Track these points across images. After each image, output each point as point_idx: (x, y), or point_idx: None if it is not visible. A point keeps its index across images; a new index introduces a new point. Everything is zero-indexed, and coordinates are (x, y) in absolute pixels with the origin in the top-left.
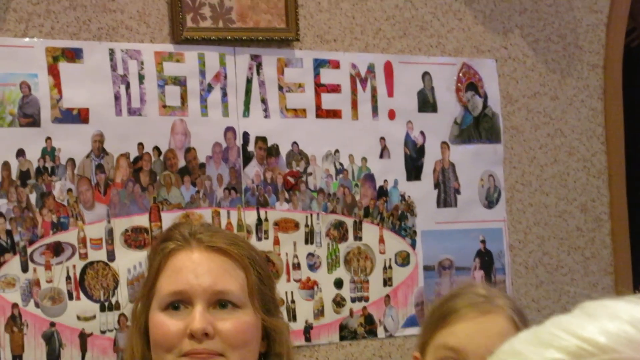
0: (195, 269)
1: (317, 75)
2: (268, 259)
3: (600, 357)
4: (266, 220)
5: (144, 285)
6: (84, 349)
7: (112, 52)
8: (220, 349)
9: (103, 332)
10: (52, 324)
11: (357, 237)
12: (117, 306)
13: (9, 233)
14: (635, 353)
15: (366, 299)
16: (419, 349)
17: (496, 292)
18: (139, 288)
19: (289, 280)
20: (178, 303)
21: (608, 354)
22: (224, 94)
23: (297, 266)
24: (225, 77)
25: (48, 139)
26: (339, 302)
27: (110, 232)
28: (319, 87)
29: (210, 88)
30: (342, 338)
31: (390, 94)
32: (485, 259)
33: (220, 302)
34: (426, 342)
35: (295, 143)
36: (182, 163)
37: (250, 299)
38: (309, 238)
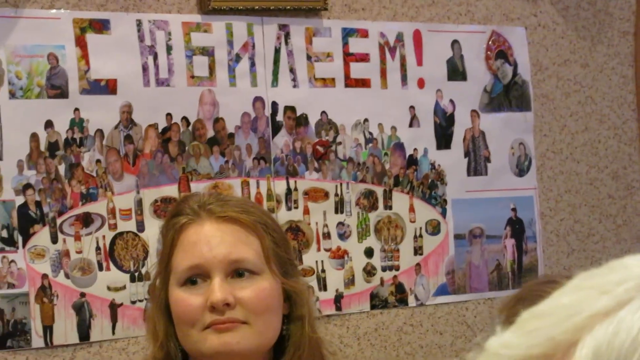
0: (208, 241)
1: (345, 44)
2: (298, 228)
3: None
4: (295, 189)
5: (159, 262)
6: (114, 319)
7: (139, 23)
8: (243, 317)
9: (133, 303)
10: (82, 295)
11: (387, 206)
12: (147, 276)
13: (38, 204)
14: None
15: (397, 268)
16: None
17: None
18: (155, 265)
19: (319, 249)
20: (195, 277)
21: None
22: (252, 64)
23: (327, 235)
24: (254, 47)
25: (76, 110)
26: (369, 271)
27: (139, 203)
28: (348, 57)
29: (238, 58)
30: (372, 307)
31: (420, 62)
32: (516, 227)
33: (237, 271)
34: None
35: (324, 112)
36: (210, 133)
37: (267, 264)
38: (339, 207)
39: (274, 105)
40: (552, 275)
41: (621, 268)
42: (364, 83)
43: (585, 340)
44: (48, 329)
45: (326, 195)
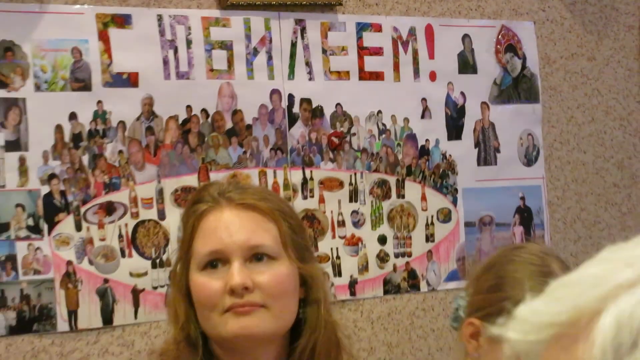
0: (228, 227)
1: (359, 38)
2: (314, 216)
3: None
4: (311, 179)
5: (180, 248)
6: (136, 304)
7: (160, 18)
8: (261, 300)
9: (155, 288)
10: (106, 281)
11: (400, 195)
12: (168, 263)
13: (62, 193)
14: None
15: (409, 255)
16: (477, 316)
17: (550, 255)
18: (176, 251)
19: (334, 236)
20: (215, 262)
21: None
22: (269, 58)
23: (341, 223)
24: (270, 41)
25: (99, 102)
26: (382, 258)
27: (160, 192)
28: (362, 50)
29: (255, 52)
30: (385, 292)
31: (431, 56)
32: (525, 215)
33: (255, 256)
34: (489, 313)
35: (339, 104)
36: (229, 125)
37: (284, 250)
38: (353, 196)
39: (291, 97)
40: (520, 243)
41: None
42: (377, 76)
43: (609, 310)
44: (73, 314)
45: (341, 184)
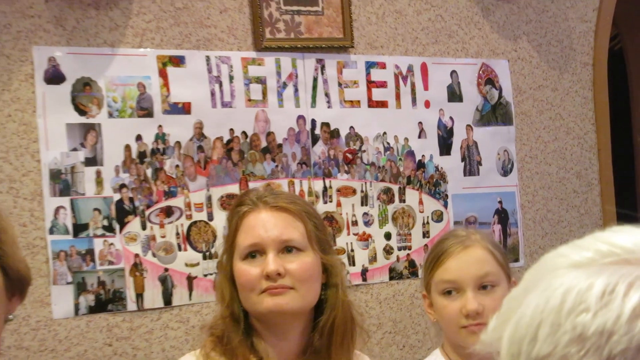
0: (264, 225)
1: (368, 74)
2: (331, 217)
3: (623, 256)
4: (330, 187)
5: (225, 242)
6: (190, 289)
7: (208, 59)
8: (291, 284)
9: (205, 275)
10: (166, 270)
11: (402, 200)
12: (216, 255)
13: (131, 200)
14: None
15: (409, 248)
16: (424, 289)
17: (472, 231)
18: (222, 244)
19: (348, 234)
20: (254, 253)
21: (630, 253)
22: (296, 90)
23: (354, 223)
24: (297, 76)
25: (160, 126)
26: (388, 250)
27: (209, 198)
28: (370, 84)
29: (284, 85)
30: (390, 278)
31: (426, 88)
32: (502, 216)
33: (286, 248)
34: (428, 282)
35: (352, 127)
36: (264, 144)
37: (309, 243)
38: (364, 201)
39: (313, 121)
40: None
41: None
42: (382, 104)
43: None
44: (139, 296)
45: (354, 191)
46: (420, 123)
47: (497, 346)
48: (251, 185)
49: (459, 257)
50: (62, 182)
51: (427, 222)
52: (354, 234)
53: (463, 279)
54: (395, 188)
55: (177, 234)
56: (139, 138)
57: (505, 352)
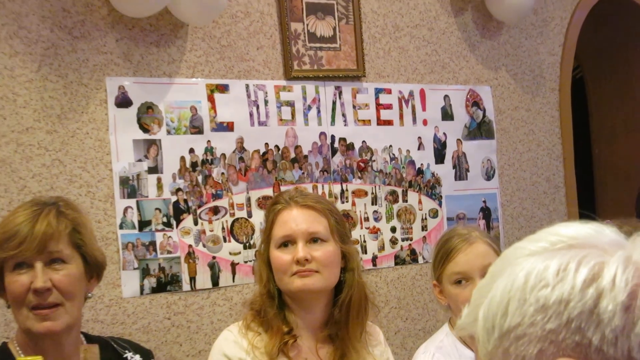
0: (295, 220)
1: (377, 98)
2: (348, 215)
3: (568, 243)
4: (346, 190)
5: (263, 233)
6: (233, 273)
7: (247, 86)
8: (316, 268)
9: (245, 262)
10: (214, 257)
11: (404, 200)
12: (254, 245)
13: (185, 201)
14: (588, 241)
15: (411, 239)
16: (435, 279)
17: (470, 229)
18: (261, 235)
19: (361, 227)
20: (287, 242)
21: (574, 239)
22: (318, 111)
23: (366, 219)
24: (319, 100)
25: (208, 141)
26: (393, 241)
27: (248, 200)
28: (379, 106)
29: (309, 107)
30: (396, 264)
31: (424, 109)
32: (486, 212)
33: (313, 239)
34: (440, 274)
35: (364, 141)
36: (292, 155)
37: (331, 235)
38: (374, 201)
39: (332, 137)
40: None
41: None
42: (389, 122)
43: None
44: (192, 279)
45: (366, 193)
46: (419, 138)
47: (472, 328)
48: (283, 188)
49: (466, 252)
50: (130, 187)
51: (425, 218)
52: (366, 228)
53: (471, 270)
54: (399, 190)
55: (223, 228)
56: (191, 151)
57: (481, 329)
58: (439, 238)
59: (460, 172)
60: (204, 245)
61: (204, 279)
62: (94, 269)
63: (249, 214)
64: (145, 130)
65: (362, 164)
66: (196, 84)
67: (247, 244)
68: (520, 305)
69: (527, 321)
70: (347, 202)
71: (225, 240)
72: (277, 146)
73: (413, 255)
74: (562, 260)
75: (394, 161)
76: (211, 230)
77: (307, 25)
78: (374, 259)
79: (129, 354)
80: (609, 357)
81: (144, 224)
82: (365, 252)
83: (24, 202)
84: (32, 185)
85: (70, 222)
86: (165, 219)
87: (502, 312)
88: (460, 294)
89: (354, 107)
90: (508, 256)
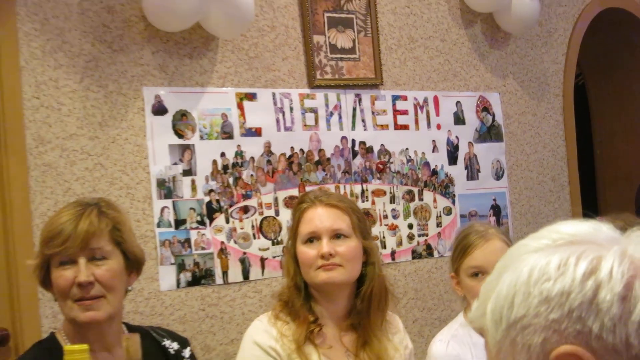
0: (320, 217)
1: (394, 104)
2: (368, 213)
3: (568, 239)
4: (366, 190)
5: (290, 230)
6: (263, 267)
7: (274, 94)
8: (339, 262)
9: (274, 257)
10: (244, 253)
11: (420, 199)
12: (281, 242)
13: (217, 201)
14: (587, 237)
15: (426, 235)
16: (453, 272)
17: (487, 226)
18: (288, 232)
19: (381, 224)
20: (312, 238)
21: (573, 236)
22: (340, 117)
23: (385, 216)
24: (340, 107)
25: (238, 145)
26: (410, 237)
27: (276, 199)
28: (396, 112)
29: (331, 114)
30: (413, 258)
31: (437, 114)
32: (496, 210)
33: (336, 235)
34: (457, 267)
35: (382, 144)
36: (316, 158)
37: (354, 232)
38: (392, 200)
39: (353, 141)
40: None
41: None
42: (405, 127)
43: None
44: (225, 273)
45: (384, 193)
46: (433, 141)
47: (481, 321)
48: (307, 189)
49: (483, 248)
50: (166, 188)
51: (440, 215)
52: (385, 225)
53: (487, 264)
54: (415, 190)
55: (252, 226)
56: (222, 155)
57: (489, 321)
58: (457, 234)
59: (472, 172)
60: (235, 242)
61: (235, 273)
62: (133, 264)
63: (277, 213)
64: (179, 135)
65: (380, 166)
66: (226, 92)
67: (275, 241)
68: (525, 298)
69: (532, 312)
70: (367, 201)
71: (254, 237)
72: (301, 150)
73: (429, 250)
74: (562, 255)
75: (410, 163)
76: (242, 228)
77: (329, 37)
78: (393, 253)
79: (167, 342)
80: (608, 343)
81: (179, 223)
82: (385, 247)
83: (69, 203)
84: (75, 188)
85: (111, 220)
86: (199, 218)
87: (509, 305)
88: (477, 286)
89: (372, 113)
90: (513, 253)
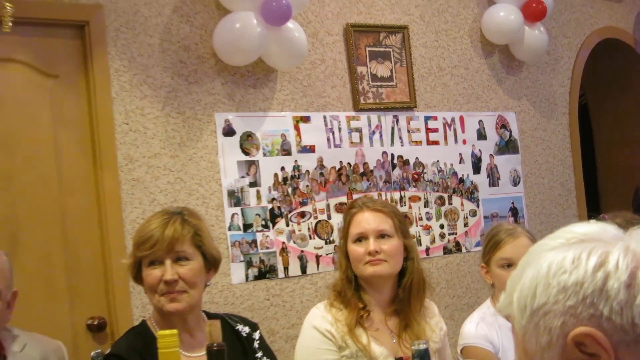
0: (367, 220)
1: (426, 123)
2: (406, 215)
3: (580, 238)
4: (404, 196)
5: (342, 231)
6: (317, 263)
7: (325, 117)
8: (384, 257)
9: (327, 254)
10: (302, 251)
11: (450, 203)
12: (333, 241)
13: (279, 207)
14: (595, 236)
15: (455, 233)
16: (484, 263)
17: (515, 225)
18: (339, 233)
19: (417, 225)
20: (361, 238)
21: (584, 235)
22: (380, 135)
23: (420, 218)
24: (381, 127)
25: (295, 160)
26: (442, 235)
27: (328, 206)
28: (428, 130)
29: (373, 132)
30: (444, 253)
31: (463, 131)
32: (514, 212)
33: (381, 235)
34: (488, 259)
35: (417, 158)
36: (361, 170)
37: (396, 232)
38: (426, 204)
39: (392, 155)
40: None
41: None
42: (436, 143)
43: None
44: (286, 269)
45: (419, 198)
46: (460, 154)
47: (509, 309)
48: (355, 196)
49: (512, 244)
50: (235, 198)
51: (467, 217)
52: (420, 226)
53: (516, 257)
54: (445, 196)
55: (308, 228)
56: (282, 169)
57: (516, 309)
58: (487, 232)
59: (493, 180)
60: (294, 242)
61: (294, 268)
62: (211, 263)
63: (329, 217)
64: (246, 153)
65: (415, 176)
66: (285, 116)
67: (328, 240)
68: (545, 288)
69: (552, 300)
70: (404, 205)
71: (310, 238)
72: (349, 163)
73: (458, 247)
74: (575, 252)
75: (440, 173)
76: (299, 230)
77: (370, 68)
78: (427, 249)
79: (240, 327)
80: (616, 324)
81: (247, 227)
82: (420, 245)
83: (156, 211)
84: (160, 198)
85: (192, 227)
86: (263, 222)
87: (532, 295)
88: (505, 275)
89: (408, 131)
90: (534, 251)
